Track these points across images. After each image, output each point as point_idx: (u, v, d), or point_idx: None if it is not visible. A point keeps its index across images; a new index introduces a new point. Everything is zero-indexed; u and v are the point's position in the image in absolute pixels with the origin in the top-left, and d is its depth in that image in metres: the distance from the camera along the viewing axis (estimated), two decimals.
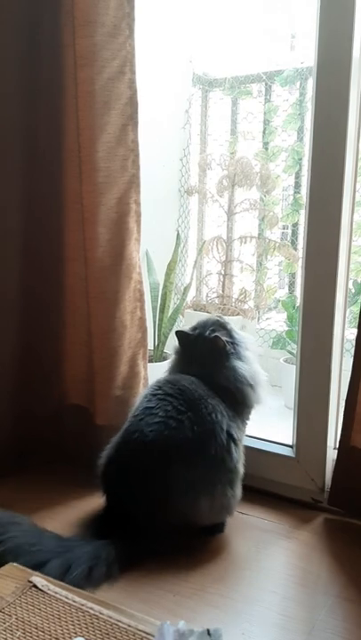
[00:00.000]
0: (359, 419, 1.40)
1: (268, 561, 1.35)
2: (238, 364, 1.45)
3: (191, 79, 2.65)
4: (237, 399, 1.43)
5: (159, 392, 1.40)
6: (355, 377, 1.40)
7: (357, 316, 1.40)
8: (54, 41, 1.60)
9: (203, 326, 1.51)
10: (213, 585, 1.25)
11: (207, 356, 1.46)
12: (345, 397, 1.43)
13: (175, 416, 1.34)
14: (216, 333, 1.46)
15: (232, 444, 1.38)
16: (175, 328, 2.25)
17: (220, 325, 1.51)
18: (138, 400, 1.45)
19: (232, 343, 1.48)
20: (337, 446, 1.48)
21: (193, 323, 1.57)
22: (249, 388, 1.44)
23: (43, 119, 1.66)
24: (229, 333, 1.50)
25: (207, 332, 1.48)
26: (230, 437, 1.37)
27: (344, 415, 1.44)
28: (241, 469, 1.41)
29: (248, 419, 1.50)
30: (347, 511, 1.48)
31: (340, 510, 1.50)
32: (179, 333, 1.53)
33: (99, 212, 1.57)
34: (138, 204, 1.63)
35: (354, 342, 1.39)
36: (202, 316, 1.65)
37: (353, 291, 2.25)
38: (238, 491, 1.40)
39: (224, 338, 1.45)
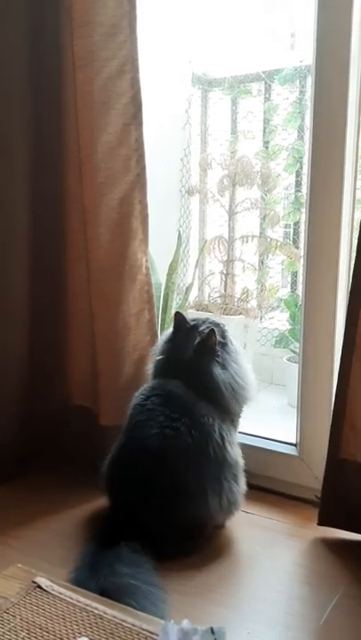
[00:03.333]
0: (349, 428, 1.37)
1: (273, 559, 1.35)
2: (217, 371, 1.42)
3: (191, 79, 2.64)
4: (220, 403, 1.42)
5: (147, 403, 1.39)
6: (342, 384, 1.36)
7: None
8: (55, 42, 1.61)
9: (202, 321, 1.51)
10: (218, 584, 1.25)
11: (195, 349, 1.44)
12: (332, 408, 1.40)
13: (170, 424, 1.34)
14: (212, 327, 1.45)
15: (227, 444, 1.38)
16: None
17: (218, 327, 1.49)
18: (128, 411, 1.43)
19: (223, 345, 1.46)
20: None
21: None
22: (226, 394, 1.42)
23: (45, 120, 1.66)
24: (224, 338, 1.48)
25: (203, 327, 1.47)
26: (222, 438, 1.37)
27: (332, 426, 1.39)
28: (241, 462, 1.42)
29: (239, 417, 1.49)
30: (341, 528, 1.43)
31: (335, 528, 1.44)
32: (178, 314, 1.50)
33: (100, 212, 1.57)
34: (143, 204, 1.61)
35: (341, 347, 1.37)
36: (204, 316, 1.64)
37: None
38: (243, 485, 1.41)
39: (218, 337, 1.44)
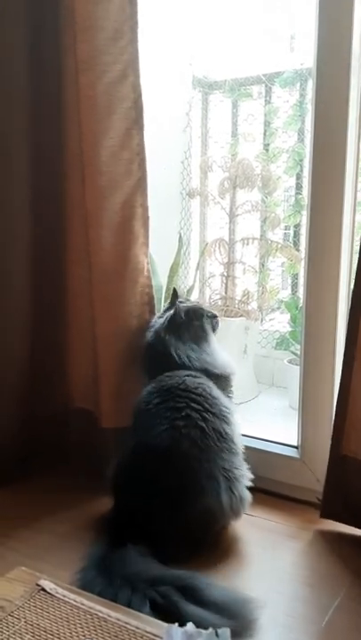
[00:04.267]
0: (350, 426, 1.38)
1: (275, 561, 1.35)
2: (167, 336, 1.51)
3: (191, 81, 2.65)
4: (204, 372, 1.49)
5: (150, 407, 1.40)
6: (344, 384, 1.38)
7: None
8: (57, 45, 1.61)
9: (187, 300, 1.64)
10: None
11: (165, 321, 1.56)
12: (335, 406, 1.41)
13: (178, 415, 1.35)
14: (182, 306, 1.55)
15: (228, 415, 1.43)
16: None
17: (199, 310, 1.58)
18: (133, 418, 1.44)
19: (187, 325, 1.54)
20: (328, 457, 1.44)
21: None
22: (178, 359, 1.49)
23: (47, 124, 1.67)
24: (186, 317, 1.55)
25: (182, 303, 1.58)
26: (228, 409, 1.43)
27: (334, 424, 1.41)
28: (240, 443, 1.44)
29: (230, 386, 1.55)
30: (342, 522, 1.45)
31: (336, 521, 1.47)
32: (174, 290, 1.65)
33: (102, 215, 1.57)
34: (145, 207, 1.62)
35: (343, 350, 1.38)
36: None
37: None
38: (246, 469, 1.42)
39: (182, 315, 1.53)
